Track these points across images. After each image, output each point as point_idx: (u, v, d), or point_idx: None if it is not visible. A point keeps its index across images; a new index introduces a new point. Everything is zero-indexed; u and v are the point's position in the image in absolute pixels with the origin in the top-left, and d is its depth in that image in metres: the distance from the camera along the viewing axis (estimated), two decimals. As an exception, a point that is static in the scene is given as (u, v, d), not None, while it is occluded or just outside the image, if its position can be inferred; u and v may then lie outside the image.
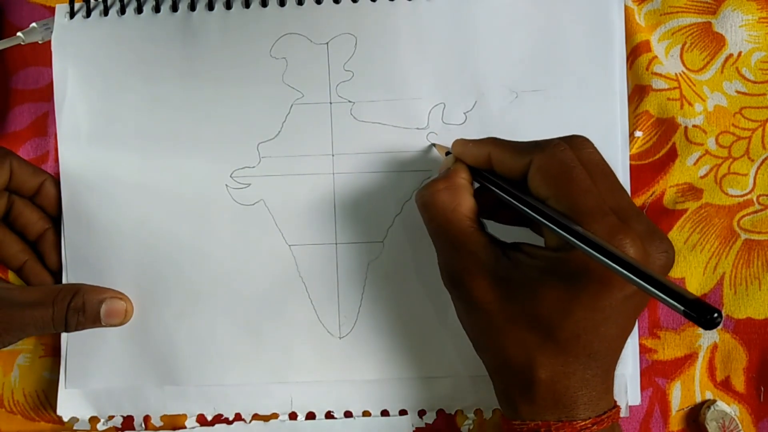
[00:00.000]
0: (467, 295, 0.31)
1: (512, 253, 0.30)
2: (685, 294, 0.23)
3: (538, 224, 0.33)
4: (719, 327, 0.38)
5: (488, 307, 0.30)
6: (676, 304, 0.23)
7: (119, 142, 0.39)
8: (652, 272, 0.24)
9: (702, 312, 0.22)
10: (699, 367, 0.38)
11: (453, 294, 0.32)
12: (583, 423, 0.30)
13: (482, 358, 0.33)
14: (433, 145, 0.38)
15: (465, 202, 0.32)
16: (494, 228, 0.33)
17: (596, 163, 0.30)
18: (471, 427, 0.38)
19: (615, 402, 0.31)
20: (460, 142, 0.34)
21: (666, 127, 0.39)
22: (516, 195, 0.31)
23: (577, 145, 0.31)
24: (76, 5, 0.39)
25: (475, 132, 0.38)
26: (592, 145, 0.31)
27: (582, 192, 0.29)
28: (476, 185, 0.34)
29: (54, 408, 0.39)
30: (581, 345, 0.29)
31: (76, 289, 0.36)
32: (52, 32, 0.39)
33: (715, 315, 0.22)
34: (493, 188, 0.32)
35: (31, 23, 0.39)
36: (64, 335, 0.38)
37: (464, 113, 0.38)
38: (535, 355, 0.30)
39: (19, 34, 0.39)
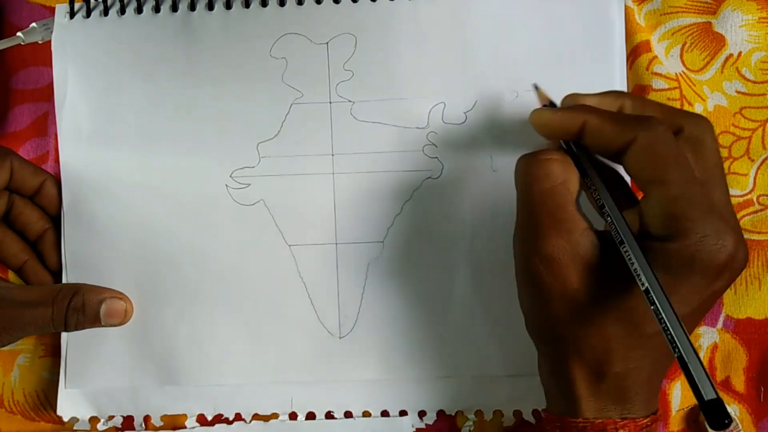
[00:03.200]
0: (552, 277, 0.29)
1: (611, 241, 0.29)
2: (706, 393, 0.25)
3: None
4: (720, 327, 0.38)
5: (575, 294, 0.29)
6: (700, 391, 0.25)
7: (119, 141, 0.39)
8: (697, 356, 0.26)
9: (714, 413, 0.25)
10: (699, 367, 0.38)
11: (532, 274, 0.30)
12: (644, 420, 0.29)
13: (544, 348, 0.32)
14: (536, 87, 0.35)
15: (574, 180, 0.30)
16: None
17: (712, 152, 0.30)
18: (471, 428, 0.38)
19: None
20: (546, 112, 0.31)
21: (666, 127, 0.39)
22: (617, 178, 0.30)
23: (700, 127, 0.30)
24: (76, 5, 0.39)
25: (475, 132, 0.38)
26: (712, 130, 0.30)
27: (688, 182, 0.28)
28: None
29: (54, 408, 0.39)
30: (661, 340, 0.28)
31: (76, 288, 0.36)
32: (52, 32, 0.39)
33: (726, 421, 0.25)
34: (587, 166, 0.30)
35: (31, 23, 0.39)
36: (64, 335, 0.38)
37: (464, 113, 0.38)
38: (614, 347, 0.29)
39: (19, 34, 0.39)
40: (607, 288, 0.29)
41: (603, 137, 0.29)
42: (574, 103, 0.32)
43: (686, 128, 0.30)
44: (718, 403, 0.25)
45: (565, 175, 0.30)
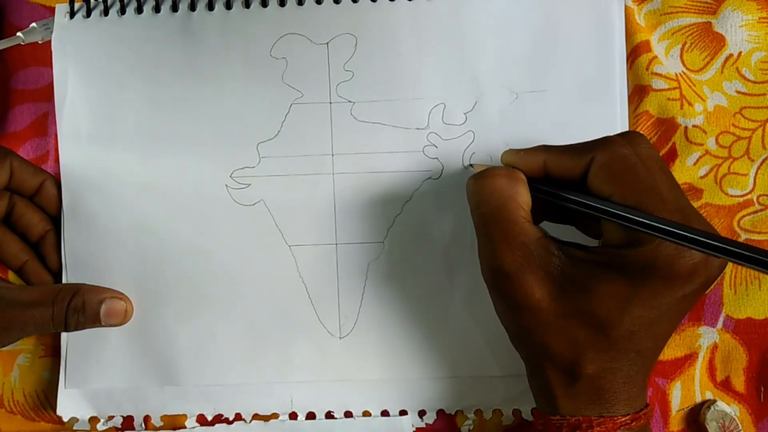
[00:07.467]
0: (513, 291, 0.30)
1: (567, 249, 0.30)
2: None
3: (584, 223, 0.33)
4: (720, 327, 0.38)
5: (537, 304, 0.30)
6: None
7: (119, 142, 0.39)
8: (751, 246, 0.25)
9: None
10: (699, 367, 0.38)
11: (496, 289, 0.31)
12: (623, 419, 0.30)
13: (521, 353, 0.32)
14: (471, 165, 0.37)
15: (523, 193, 0.31)
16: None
17: (655, 160, 0.30)
18: (471, 427, 0.38)
19: (647, 401, 0.31)
20: (512, 153, 0.33)
21: (666, 127, 0.39)
22: (581, 196, 0.30)
23: (633, 140, 0.30)
24: (76, 5, 0.39)
25: (475, 132, 0.38)
26: (647, 140, 0.31)
27: (646, 189, 0.29)
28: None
29: (54, 408, 0.39)
30: (633, 342, 0.29)
31: (76, 288, 0.36)
32: (52, 32, 0.39)
33: None
34: (557, 191, 0.31)
35: (31, 23, 0.39)
36: (64, 335, 0.38)
37: (464, 113, 0.38)
38: (583, 351, 0.29)
39: (19, 34, 0.39)
40: (569, 293, 0.29)
41: (563, 167, 0.31)
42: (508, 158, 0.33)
43: (610, 150, 0.30)
44: None
45: (512, 190, 0.31)
